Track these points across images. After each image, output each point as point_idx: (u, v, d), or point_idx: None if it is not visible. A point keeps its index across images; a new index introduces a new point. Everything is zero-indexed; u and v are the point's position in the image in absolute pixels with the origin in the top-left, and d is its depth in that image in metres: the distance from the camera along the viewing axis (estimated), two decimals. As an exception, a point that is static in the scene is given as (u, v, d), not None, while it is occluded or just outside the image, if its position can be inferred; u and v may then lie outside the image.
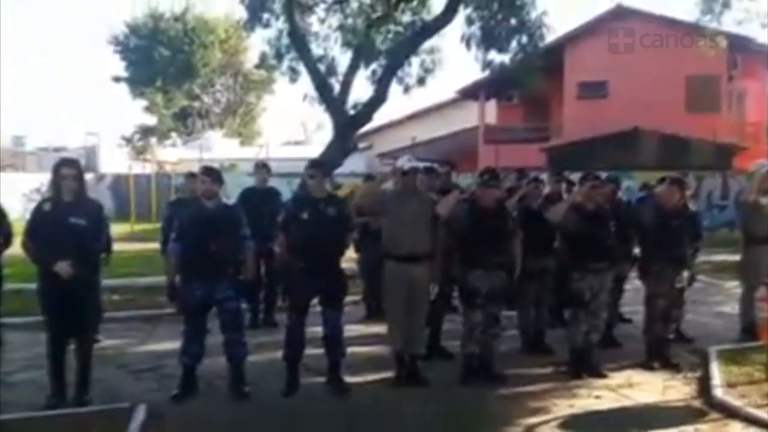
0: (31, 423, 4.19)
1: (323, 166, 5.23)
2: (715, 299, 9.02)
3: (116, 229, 17.27)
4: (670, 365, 5.87)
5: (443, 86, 24.05)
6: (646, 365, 5.89)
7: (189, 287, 4.85)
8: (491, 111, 27.86)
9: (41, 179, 23.84)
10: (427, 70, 13.05)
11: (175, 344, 5.26)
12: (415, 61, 11.70)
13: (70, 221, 4.55)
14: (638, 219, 5.99)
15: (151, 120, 43.07)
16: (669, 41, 20.96)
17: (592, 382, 5.45)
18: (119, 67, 40.38)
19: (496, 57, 12.01)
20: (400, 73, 10.64)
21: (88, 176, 27.75)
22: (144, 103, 42.00)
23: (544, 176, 7.71)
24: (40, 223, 4.60)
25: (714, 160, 19.43)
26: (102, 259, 6.50)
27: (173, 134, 44.93)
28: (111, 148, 32.74)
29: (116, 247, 11.62)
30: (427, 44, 12.86)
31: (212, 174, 4.96)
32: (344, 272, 5.23)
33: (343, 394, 5.09)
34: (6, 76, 60.59)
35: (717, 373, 5.54)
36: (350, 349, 6.02)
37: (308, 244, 4.95)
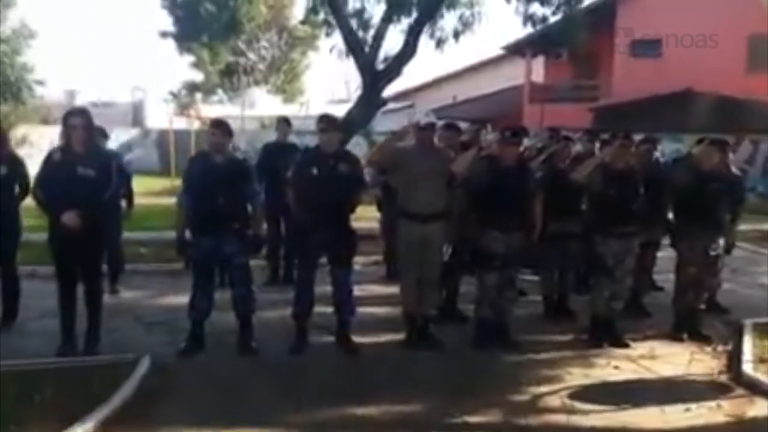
0: (32, 371, 4.21)
1: (335, 120, 5.02)
2: (759, 269, 8.55)
3: (159, 183, 17.62)
4: (699, 337, 5.58)
5: (490, 42, 23.38)
6: (674, 336, 5.60)
7: (196, 241, 4.78)
8: (539, 68, 27.00)
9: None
10: (466, 24, 12.58)
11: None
12: (453, 14, 11.23)
13: (78, 171, 4.51)
14: (670, 181, 5.62)
15: (198, 76, 43.35)
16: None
17: (612, 352, 5.22)
18: (167, 23, 40.60)
19: (538, 10, 11.50)
20: (434, 27, 10.23)
21: (134, 131, 28.23)
22: (191, 59, 42.25)
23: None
24: (50, 172, 4.57)
25: (773, 124, 18.43)
26: (123, 211, 6.56)
27: (219, 90, 45.20)
28: (157, 104, 33.13)
29: (154, 201, 11.89)
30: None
31: (221, 127, 4.83)
32: (354, 230, 5.06)
33: (350, 354, 4.99)
34: (58, 30, 61.69)
35: (749, 347, 5.23)
36: (366, 310, 5.97)
37: (316, 200, 4.80)
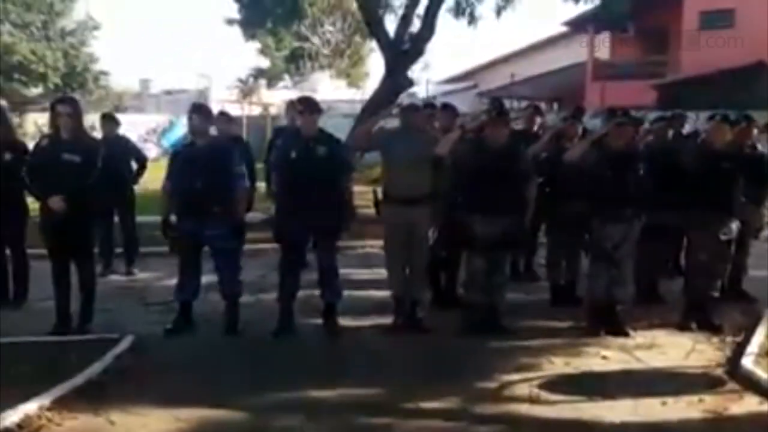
0: (16, 347, 4.42)
1: (314, 102, 4.97)
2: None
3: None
4: (710, 327, 5.25)
5: (554, 19, 22.55)
6: (683, 325, 5.30)
7: (179, 224, 4.88)
8: (605, 45, 25.91)
9: (158, 120, 25.34)
10: (507, 0, 12.24)
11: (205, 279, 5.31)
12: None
13: (63, 157, 4.68)
14: (677, 160, 5.28)
15: (264, 62, 44.12)
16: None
17: (607, 341, 4.98)
18: (233, 9, 41.44)
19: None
20: (467, 4, 10.00)
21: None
22: (257, 45, 43.01)
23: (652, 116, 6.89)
24: (37, 158, 4.76)
25: None
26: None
27: (286, 76, 45.85)
28: (222, 91, 34.01)
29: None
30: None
31: (202, 111, 4.88)
32: (340, 212, 5.01)
33: (334, 337, 4.99)
34: (131, 22, 64.17)
35: (759, 339, 4.89)
36: (360, 293, 5.97)
37: (296, 184, 4.79)
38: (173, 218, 4.95)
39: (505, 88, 26.51)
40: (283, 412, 3.75)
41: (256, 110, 29.03)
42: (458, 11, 10.95)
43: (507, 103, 25.87)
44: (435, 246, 5.44)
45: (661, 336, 5.11)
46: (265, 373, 4.29)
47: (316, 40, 45.19)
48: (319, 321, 5.16)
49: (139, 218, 7.17)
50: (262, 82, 39.50)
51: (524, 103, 26.49)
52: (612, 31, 25.27)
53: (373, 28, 9.12)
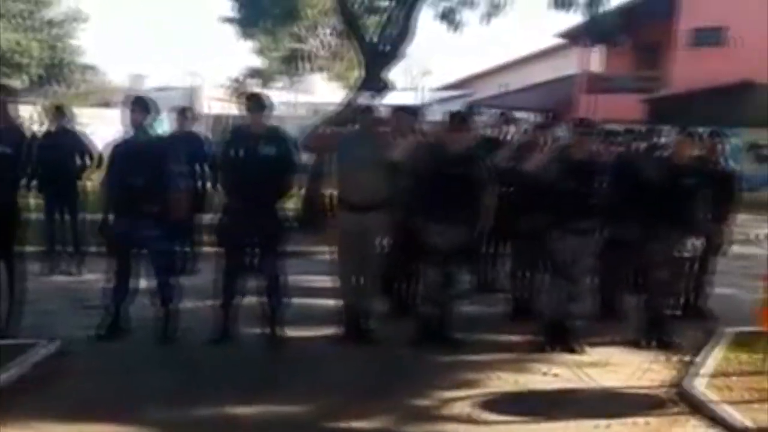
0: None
1: (263, 99, 4.79)
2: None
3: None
4: (667, 345, 5.09)
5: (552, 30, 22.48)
6: (639, 343, 5.15)
7: (114, 223, 4.69)
8: (598, 59, 25.84)
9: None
10: (496, 7, 12.10)
11: (144, 282, 5.09)
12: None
13: None
14: (638, 175, 5.12)
15: (260, 62, 43.89)
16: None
17: (560, 357, 4.82)
18: (228, 8, 41.28)
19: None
20: (446, 6, 9.85)
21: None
22: (252, 45, 42.80)
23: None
24: None
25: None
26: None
27: (281, 77, 45.61)
28: (213, 89, 33.79)
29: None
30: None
31: (140, 104, 4.69)
32: (284, 215, 4.85)
33: (275, 347, 4.79)
34: (125, 17, 63.86)
35: (715, 358, 4.74)
36: (315, 301, 5.79)
37: (240, 184, 4.61)
38: (111, 217, 4.75)
39: (498, 97, 26.40)
40: (195, 428, 3.56)
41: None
42: (442, 16, 10.82)
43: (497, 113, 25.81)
44: (389, 254, 5.29)
45: (616, 353, 4.96)
46: (191, 384, 4.09)
47: (313, 42, 45.12)
48: (264, 329, 4.96)
49: (93, 216, 6.95)
50: (256, 81, 39.27)
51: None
52: (606, 44, 25.24)
53: (353, 29, 8.96)
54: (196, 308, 5.42)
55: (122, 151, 4.69)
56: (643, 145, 6.02)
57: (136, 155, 4.58)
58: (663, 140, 6.01)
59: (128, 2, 67.00)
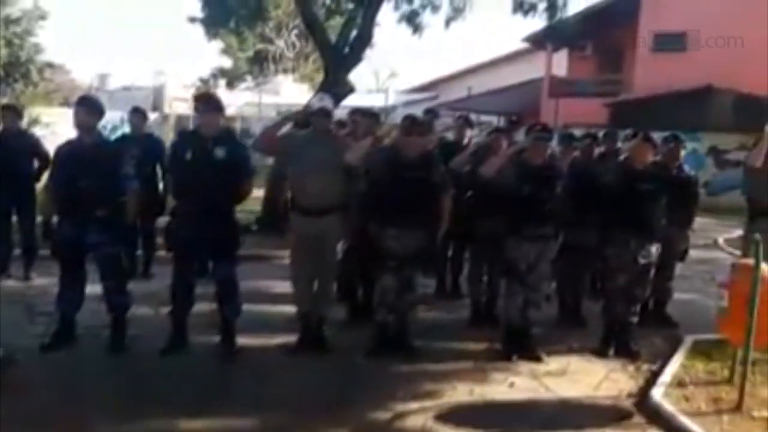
0: None
1: (214, 100, 4.61)
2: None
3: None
4: (628, 353, 5.06)
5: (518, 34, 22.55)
6: (600, 351, 5.10)
7: (59, 227, 4.48)
8: (563, 62, 26.10)
9: (108, 117, 24.56)
10: (457, 10, 12.09)
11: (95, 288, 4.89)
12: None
13: None
14: (595, 180, 5.08)
15: (227, 62, 43.37)
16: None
17: (518, 366, 4.74)
18: (196, 8, 40.75)
19: (525, -2, 10.93)
20: (408, 9, 9.79)
21: (153, 115, 28.60)
22: (220, 45, 42.28)
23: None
24: None
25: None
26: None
27: (248, 77, 45.14)
28: (178, 89, 33.30)
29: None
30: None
31: (85, 104, 4.49)
32: (236, 220, 4.69)
33: (228, 357, 4.63)
34: (91, 15, 62.72)
35: (674, 367, 4.72)
36: (273, 308, 5.65)
37: (190, 188, 4.44)
38: (55, 220, 4.53)
39: (464, 100, 26.50)
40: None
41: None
42: (405, 19, 10.75)
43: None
44: (345, 259, 5.16)
45: (575, 362, 4.90)
46: (138, 396, 3.91)
47: (280, 42, 44.76)
48: (215, 337, 4.79)
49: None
50: (222, 82, 38.84)
51: (482, 118, 26.53)
52: (570, 48, 25.50)
53: (314, 30, 8.81)
54: (148, 315, 5.27)
55: (67, 152, 4.48)
56: (600, 149, 5.98)
57: (82, 157, 4.38)
58: (620, 144, 5.98)
59: (97, 2, 65.96)
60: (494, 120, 24.41)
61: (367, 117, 5.44)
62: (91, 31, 59.63)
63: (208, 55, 59.29)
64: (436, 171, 4.77)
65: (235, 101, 35.27)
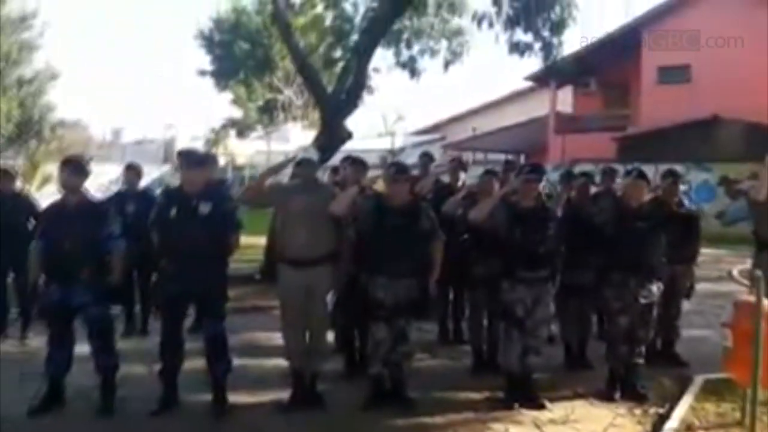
0: None
1: (199, 156, 4.63)
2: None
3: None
4: (634, 396, 4.88)
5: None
6: (606, 395, 4.92)
7: (47, 289, 4.43)
8: (568, 99, 26.20)
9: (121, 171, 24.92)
10: (454, 54, 12.21)
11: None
12: (433, 44, 10.90)
13: None
14: (590, 220, 4.98)
15: (237, 113, 44.07)
16: (759, 20, 18.87)
17: (520, 415, 4.57)
18: (205, 62, 41.63)
19: (522, 38, 10.96)
20: (405, 54, 9.89)
21: (165, 167, 28.87)
22: (230, 96, 43.04)
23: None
24: None
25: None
26: None
27: (259, 126, 45.76)
28: (188, 141, 33.80)
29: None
30: (455, 25, 12.05)
31: (70, 165, 4.49)
32: (225, 276, 4.62)
33: (220, 416, 4.50)
34: (104, 72, 64.53)
35: (682, 410, 4.53)
36: (269, 361, 5.53)
37: (175, 245, 4.39)
38: (41, 282, 4.49)
39: (470, 140, 26.60)
40: None
41: (223, 161, 28.76)
42: (402, 65, 10.86)
43: (471, 156, 26.01)
44: (339, 310, 5.06)
45: (579, 407, 4.73)
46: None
47: (288, 91, 45.49)
48: (207, 396, 4.67)
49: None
50: (232, 132, 39.36)
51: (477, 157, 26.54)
52: (574, 85, 25.63)
53: (310, 80, 8.90)
54: (141, 374, 5.17)
55: (52, 213, 4.47)
56: (597, 188, 5.89)
57: (67, 218, 4.36)
58: (620, 181, 5.88)
59: (108, 59, 67.76)
60: (502, 158, 24.44)
61: (356, 164, 5.40)
62: (106, 87, 61.35)
63: (219, 106, 60.46)
64: (425, 217, 4.69)
65: (246, 150, 35.76)
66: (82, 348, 4.60)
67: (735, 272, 10.68)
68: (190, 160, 4.53)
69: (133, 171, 6.76)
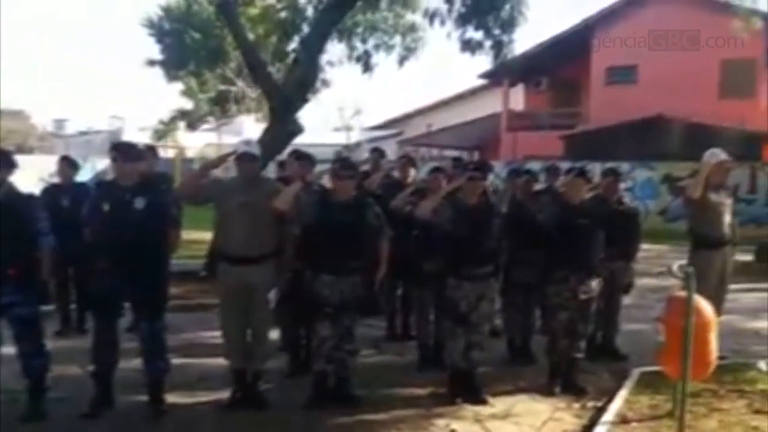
0: None
1: (132, 149, 4.44)
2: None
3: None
4: (574, 390, 4.96)
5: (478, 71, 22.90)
6: (547, 389, 4.99)
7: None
8: (519, 97, 26.55)
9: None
10: (408, 50, 12.23)
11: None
12: (383, 38, 10.87)
13: None
14: (532, 217, 5.03)
15: (188, 104, 43.17)
16: (703, 23, 19.48)
17: (462, 410, 4.59)
18: (154, 51, 40.65)
19: (474, 35, 11.03)
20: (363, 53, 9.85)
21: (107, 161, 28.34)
22: (180, 87, 42.12)
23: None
24: None
25: (743, 150, 17.77)
26: None
27: (211, 118, 44.94)
28: (135, 132, 33.06)
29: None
30: (408, 21, 12.08)
31: (-2, 158, 4.28)
32: (163, 273, 4.50)
33: (156, 417, 4.38)
34: (51, 62, 62.50)
35: (618, 403, 4.62)
36: (214, 361, 5.40)
37: (109, 241, 4.24)
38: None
39: (426, 136, 26.73)
40: None
41: (172, 153, 28.19)
42: (357, 59, 10.80)
43: (426, 152, 26.10)
44: (279, 309, 4.99)
45: (520, 402, 4.78)
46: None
47: (241, 83, 44.80)
48: (143, 397, 4.54)
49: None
50: (182, 124, 38.58)
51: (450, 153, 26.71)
52: (526, 84, 26.00)
53: (257, 72, 8.75)
54: (76, 374, 4.99)
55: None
56: (540, 185, 5.97)
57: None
58: (561, 179, 5.97)
59: (54, 49, 65.60)
60: (463, 155, 24.61)
61: (302, 159, 5.33)
62: (50, 77, 59.34)
63: (168, 97, 59.06)
64: (370, 214, 4.66)
65: (196, 143, 35.08)
66: (10, 349, 4.41)
67: (675, 268, 10.96)
68: (125, 153, 4.35)
69: (67, 162, 6.50)
